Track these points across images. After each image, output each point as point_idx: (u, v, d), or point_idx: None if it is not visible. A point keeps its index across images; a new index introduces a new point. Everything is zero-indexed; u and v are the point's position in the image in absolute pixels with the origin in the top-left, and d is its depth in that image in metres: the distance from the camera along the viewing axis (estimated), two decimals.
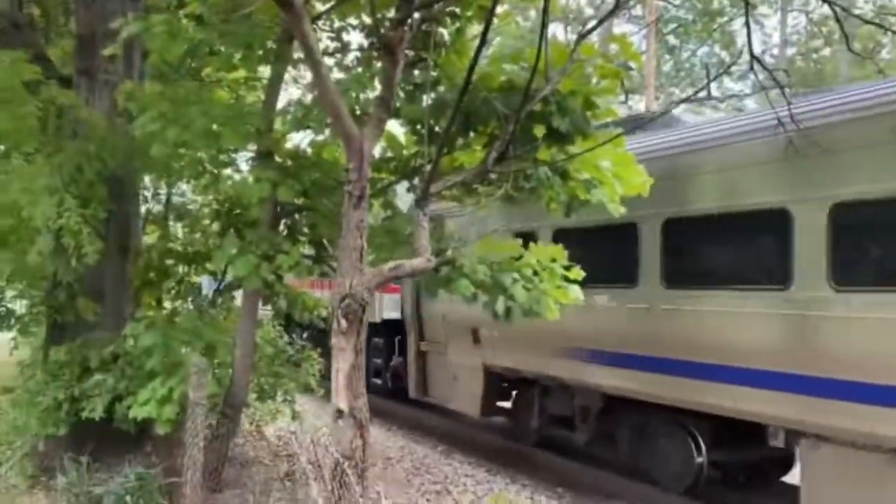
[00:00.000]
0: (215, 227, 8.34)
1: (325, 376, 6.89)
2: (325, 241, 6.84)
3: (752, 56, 4.57)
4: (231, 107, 6.37)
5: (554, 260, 5.83)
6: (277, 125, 6.66)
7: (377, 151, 6.31)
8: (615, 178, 5.94)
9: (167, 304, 8.64)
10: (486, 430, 10.52)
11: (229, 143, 5.69)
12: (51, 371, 6.50)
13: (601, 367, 7.63)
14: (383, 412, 11.20)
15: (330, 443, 4.60)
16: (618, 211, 5.97)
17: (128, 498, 5.57)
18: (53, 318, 7.07)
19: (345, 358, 4.51)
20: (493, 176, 5.92)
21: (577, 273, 5.74)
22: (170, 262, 8.24)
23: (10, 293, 7.53)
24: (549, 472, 8.74)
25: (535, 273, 5.79)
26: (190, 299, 8.11)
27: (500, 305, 5.55)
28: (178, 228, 9.61)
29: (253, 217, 7.06)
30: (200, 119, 5.51)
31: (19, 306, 7.68)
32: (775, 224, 6.05)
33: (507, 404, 10.09)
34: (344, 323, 4.48)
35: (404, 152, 7.08)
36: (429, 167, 6.30)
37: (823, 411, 5.59)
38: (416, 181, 6.84)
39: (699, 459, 6.97)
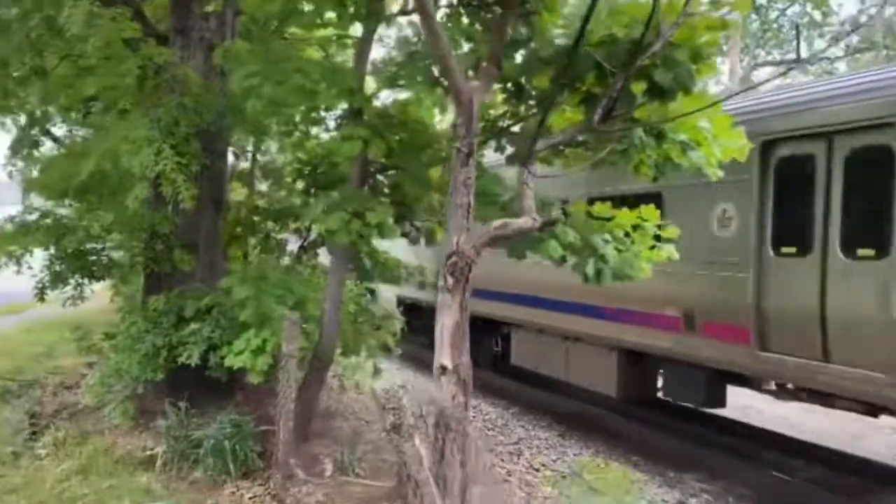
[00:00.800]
0: (299, 185, 8.49)
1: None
2: (417, 200, 6.84)
3: None
4: (325, 64, 6.35)
5: (644, 220, 5.69)
6: (367, 83, 6.64)
7: None
8: (714, 141, 5.69)
9: (251, 259, 8.86)
10: (559, 393, 10.51)
11: (325, 101, 5.69)
12: (150, 319, 6.78)
13: None
14: None
15: (428, 400, 4.60)
16: (716, 175, 5.73)
17: (226, 443, 5.78)
18: (150, 269, 7.35)
19: (450, 315, 4.47)
20: (580, 138, 5.76)
21: (672, 232, 5.59)
22: (256, 218, 8.43)
23: (109, 244, 7.81)
24: (624, 439, 8.67)
25: (627, 234, 5.66)
26: (275, 255, 8.28)
27: (591, 268, 5.45)
28: (261, 186, 9.80)
29: (337, 176, 7.11)
30: (294, 76, 5.53)
31: (119, 257, 7.97)
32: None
33: None
34: (450, 280, 4.43)
35: (491, 112, 6.97)
36: (520, 126, 6.21)
37: (518, 312, 10.21)
38: (503, 141, 6.74)
39: (496, 349, 11.76)
